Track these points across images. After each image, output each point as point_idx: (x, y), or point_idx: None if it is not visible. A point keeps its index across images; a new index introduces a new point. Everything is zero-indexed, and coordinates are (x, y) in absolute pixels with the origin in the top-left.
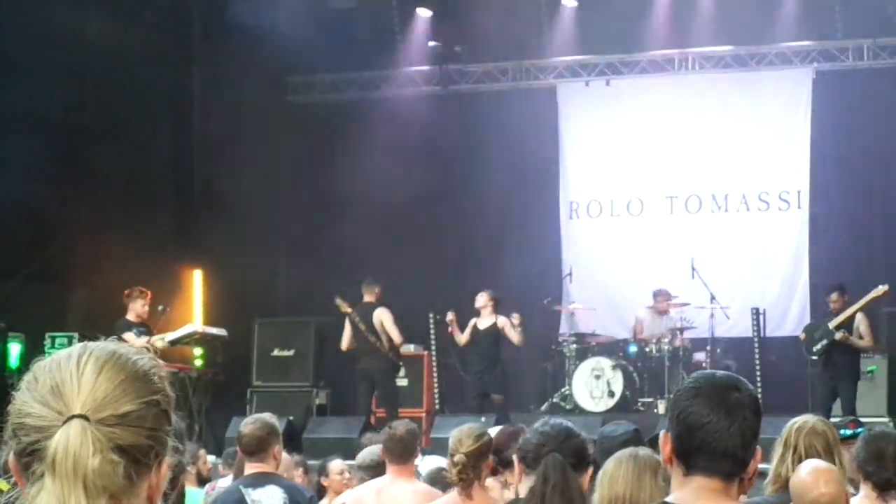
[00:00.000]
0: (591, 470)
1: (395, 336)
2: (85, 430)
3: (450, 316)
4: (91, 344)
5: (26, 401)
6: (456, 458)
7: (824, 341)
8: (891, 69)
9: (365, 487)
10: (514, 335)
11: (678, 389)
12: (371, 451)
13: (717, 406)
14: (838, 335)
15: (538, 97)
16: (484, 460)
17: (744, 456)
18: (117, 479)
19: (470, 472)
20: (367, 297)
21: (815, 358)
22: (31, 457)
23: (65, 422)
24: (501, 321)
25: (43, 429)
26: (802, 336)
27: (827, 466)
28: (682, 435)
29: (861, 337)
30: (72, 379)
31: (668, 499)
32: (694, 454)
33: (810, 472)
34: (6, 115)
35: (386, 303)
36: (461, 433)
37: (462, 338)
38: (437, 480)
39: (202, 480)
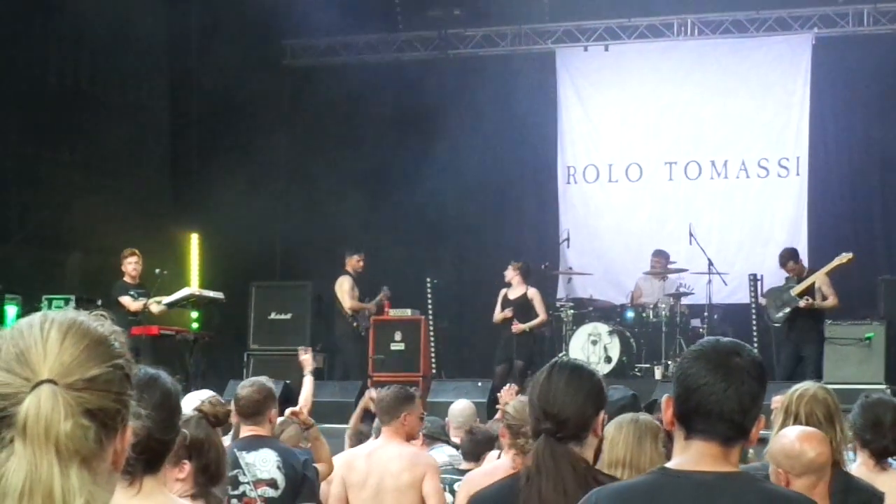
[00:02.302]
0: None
1: (345, 304)
2: (55, 395)
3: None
4: (51, 312)
5: None
6: (525, 429)
7: (787, 309)
8: (891, 35)
9: (357, 450)
10: (541, 310)
11: (683, 353)
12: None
13: (716, 369)
14: (802, 303)
15: (537, 62)
16: None
17: (742, 420)
18: (88, 442)
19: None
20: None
21: (776, 325)
22: None
23: (33, 387)
24: (532, 292)
25: (10, 396)
26: (764, 302)
27: (812, 429)
28: (680, 396)
29: (825, 298)
30: (37, 345)
31: (667, 464)
32: (691, 416)
33: (800, 437)
34: (1, 79)
35: (349, 271)
36: (523, 405)
37: (497, 316)
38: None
39: None
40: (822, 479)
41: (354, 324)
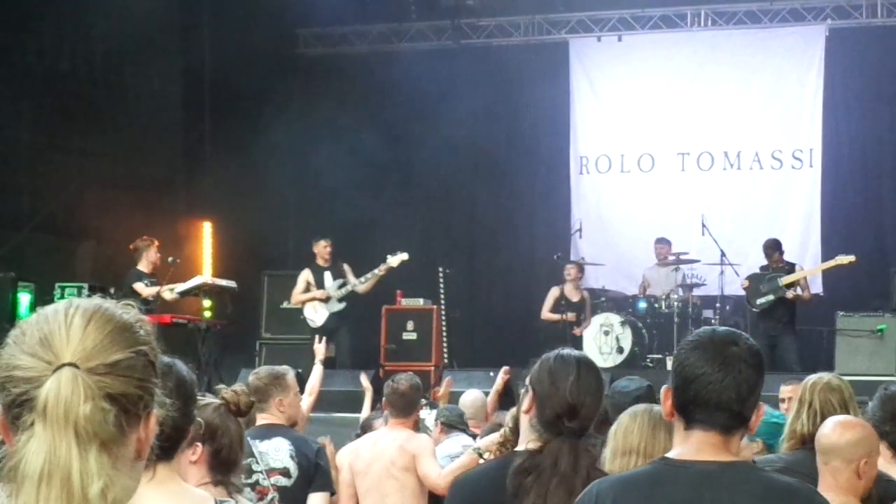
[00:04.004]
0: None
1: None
2: (76, 378)
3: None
4: (77, 299)
5: (14, 354)
6: (501, 431)
7: (770, 297)
8: None
9: (363, 439)
10: (588, 310)
11: (681, 343)
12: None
13: (713, 359)
14: (790, 294)
15: (550, 52)
16: None
17: (740, 409)
18: (108, 426)
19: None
20: None
21: (755, 310)
22: (20, 408)
23: (55, 370)
24: (586, 294)
25: (33, 379)
26: (745, 284)
27: (853, 419)
28: (678, 387)
29: (802, 290)
30: (60, 330)
31: (668, 454)
32: (690, 407)
33: (837, 420)
34: (13, 67)
35: (308, 263)
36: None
37: (554, 316)
38: None
39: None
40: (847, 468)
41: (301, 316)
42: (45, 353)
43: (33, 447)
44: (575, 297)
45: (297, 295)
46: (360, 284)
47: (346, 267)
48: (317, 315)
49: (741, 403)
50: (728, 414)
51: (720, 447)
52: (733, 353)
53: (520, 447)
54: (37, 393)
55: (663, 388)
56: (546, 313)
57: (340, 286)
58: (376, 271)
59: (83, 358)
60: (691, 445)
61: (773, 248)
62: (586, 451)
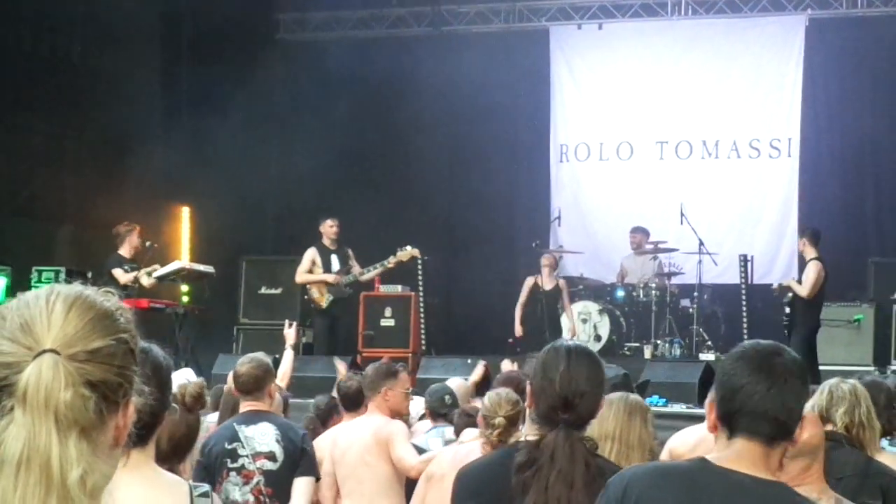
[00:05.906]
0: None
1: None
2: (57, 364)
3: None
4: (58, 285)
5: None
6: (496, 421)
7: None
8: (884, 17)
9: (341, 427)
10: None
11: (724, 356)
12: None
13: (758, 369)
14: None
15: (530, 39)
16: (517, 426)
17: (786, 419)
18: (88, 413)
19: (506, 435)
20: None
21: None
22: (0, 393)
23: (36, 356)
24: (562, 283)
25: (13, 364)
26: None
27: (808, 411)
28: (724, 397)
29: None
30: (41, 316)
31: (709, 456)
32: (735, 416)
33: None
34: None
35: (322, 241)
36: (499, 398)
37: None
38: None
39: None
40: (816, 460)
41: (305, 296)
42: (26, 339)
43: (13, 432)
44: (549, 286)
45: (304, 274)
46: (365, 274)
47: (350, 252)
48: (323, 298)
49: (787, 413)
50: (773, 424)
51: (761, 460)
52: (778, 363)
53: (521, 437)
54: (17, 378)
55: (707, 402)
56: (518, 309)
57: (346, 272)
58: (385, 262)
59: (64, 344)
60: (733, 452)
61: (801, 233)
62: (581, 441)
